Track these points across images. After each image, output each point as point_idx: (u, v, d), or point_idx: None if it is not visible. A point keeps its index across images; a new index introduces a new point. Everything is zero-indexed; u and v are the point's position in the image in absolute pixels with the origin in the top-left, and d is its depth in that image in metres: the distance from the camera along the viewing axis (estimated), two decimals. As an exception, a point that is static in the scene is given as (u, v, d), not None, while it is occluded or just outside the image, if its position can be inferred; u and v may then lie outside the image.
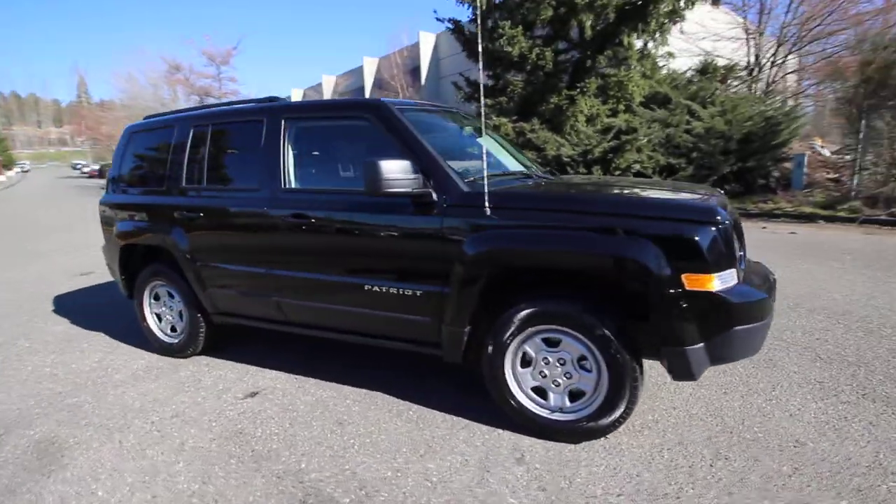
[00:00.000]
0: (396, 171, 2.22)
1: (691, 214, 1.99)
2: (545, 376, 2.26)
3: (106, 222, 3.70)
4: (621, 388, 2.08)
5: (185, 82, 28.40)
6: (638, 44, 12.13)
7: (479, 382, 2.52)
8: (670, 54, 12.79)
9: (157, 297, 3.54)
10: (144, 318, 3.56)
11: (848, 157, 10.29)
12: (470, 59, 14.52)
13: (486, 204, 2.20)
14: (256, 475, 2.15)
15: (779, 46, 14.42)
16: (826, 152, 12.64)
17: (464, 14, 13.66)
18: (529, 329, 2.22)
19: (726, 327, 1.93)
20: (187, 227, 3.13)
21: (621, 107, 12.27)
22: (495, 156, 2.92)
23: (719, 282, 1.91)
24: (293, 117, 2.84)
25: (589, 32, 12.17)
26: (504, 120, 12.32)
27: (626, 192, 2.63)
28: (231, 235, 3.04)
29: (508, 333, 2.24)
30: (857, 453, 2.08)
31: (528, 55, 11.68)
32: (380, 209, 2.48)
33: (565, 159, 11.65)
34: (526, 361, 2.29)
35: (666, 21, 11.36)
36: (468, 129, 3.28)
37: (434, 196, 2.32)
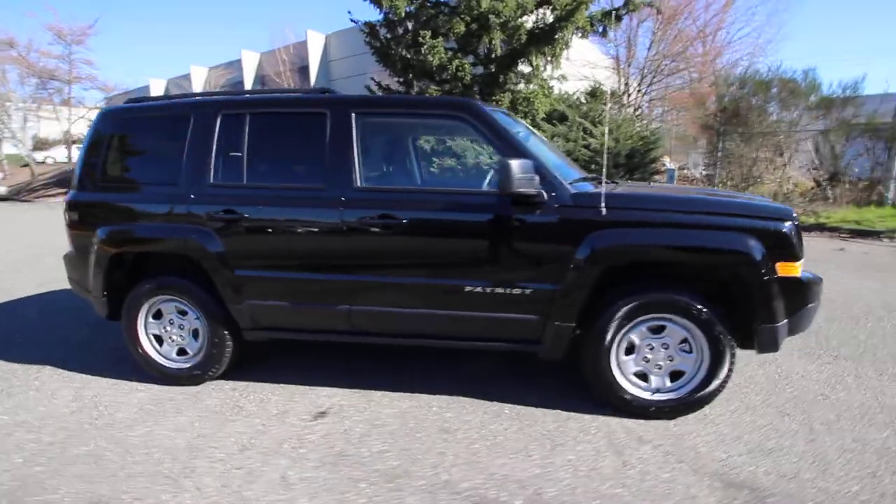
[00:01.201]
0: (523, 171, 2.25)
1: (779, 213, 2.40)
2: (648, 361, 2.49)
3: (78, 226, 2.97)
4: (721, 365, 2.40)
5: (20, 61, 23.04)
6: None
7: (534, 375, 2.66)
8: (563, 77, 14.26)
9: (157, 316, 2.96)
10: (138, 342, 2.94)
11: (705, 173, 12.62)
12: (381, 64, 14.44)
13: (602, 204, 2.36)
14: (404, 494, 2.00)
15: (641, 79, 17.09)
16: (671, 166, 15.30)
17: (368, 15, 13.51)
18: (637, 319, 2.42)
19: (803, 305, 2.37)
20: (222, 230, 2.69)
21: (528, 121, 13.33)
22: (556, 158, 3.07)
23: (801, 268, 2.34)
24: (367, 112, 2.65)
25: (499, 50, 13.04)
26: (424, 127, 12.48)
27: (714, 195, 2.95)
28: (287, 240, 2.70)
29: (616, 324, 2.42)
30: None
31: (449, 66, 12.04)
32: (484, 209, 2.47)
33: (484, 167, 12.25)
34: (628, 349, 2.50)
35: (563, 46, 12.71)
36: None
37: (545, 196, 2.40)
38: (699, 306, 2.35)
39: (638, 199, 2.58)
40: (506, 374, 3.06)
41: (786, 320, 2.36)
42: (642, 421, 2.50)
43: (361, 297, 2.64)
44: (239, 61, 29.00)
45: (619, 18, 12.43)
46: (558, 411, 2.62)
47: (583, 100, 14.42)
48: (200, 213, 2.72)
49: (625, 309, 2.40)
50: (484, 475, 2.11)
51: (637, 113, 16.61)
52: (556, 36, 11.73)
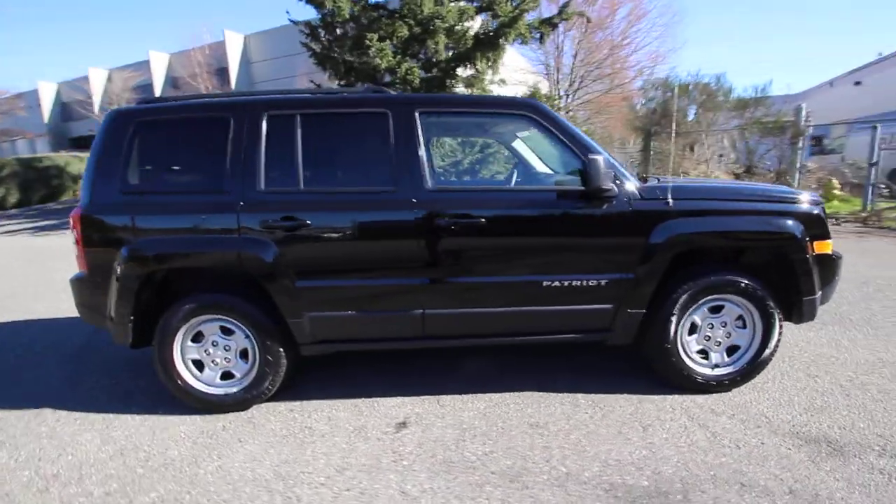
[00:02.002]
0: (607, 167, 2.35)
1: (812, 198, 2.71)
2: (709, 339, 2.71)
3: (94, 244, 2.58)
4: (771, 336, 2.66)
5: None
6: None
7: (566, 363, 2.80)
8: (503, 81, 14.75)
9: (196, 338, 2.67)
10: (174, 370, 2.63)
11: (637, 170, 13.71)
12: (320, 67, 14.02)
13: (669, 197, 2.53)
14: (534, 491, 1.99)
15: (570, 84, 18.16)
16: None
17: (298, 15, 13.09)
18: (699, 300, 2.62)
19: (832, 278, 2.71)
20: (281, 239, 2.50)
21: (474, 123, 13.62)
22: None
23: (832, 246, 2.67)
24: (431, 111, 2.60)
25: (442, 55, 13.21)
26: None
27: (760, 185, 3.18)
28: (354, 245, 2.56)
29: (681, 307, 2.61)
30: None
31: (398, 69, 11.95)
32: (561, 205, 2.54)
33: (438, 170, 12.30)
34: (690, 329, 2.69)
35: (503, 51, 13.18)
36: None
37: (616, 190, 2.52)
38: (754, 285, 2.59)
39: (697, 190, 2.78)
40: (530, 366, 3.15)
41: (820, 292, 2.68)
42: (705, 395, 2.71)
43: (436, 299, 2.58)
44: (147, 62, 26.54)
45: (554, 26, 13.06)
46: (625, 395, 2.75)
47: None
48: (253, 221, 2.50)
49: (690, 292, 2.59)
50: (598, 462, 2.17)
51: (570, 115, 17.62)
52: (500, 41, 12.08)
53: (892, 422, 2.41)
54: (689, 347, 2.70)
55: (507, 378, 3.00)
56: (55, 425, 2.66)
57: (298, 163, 2.55)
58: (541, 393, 2.81)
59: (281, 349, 2.64)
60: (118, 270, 2.53)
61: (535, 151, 3.76)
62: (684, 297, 2.59)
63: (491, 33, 12.13)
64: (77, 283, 2.69)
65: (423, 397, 2.82)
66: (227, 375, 2.71)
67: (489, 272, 2.58)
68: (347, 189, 2.60)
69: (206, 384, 2.69)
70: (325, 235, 2.54)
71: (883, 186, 9.65)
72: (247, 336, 2.64)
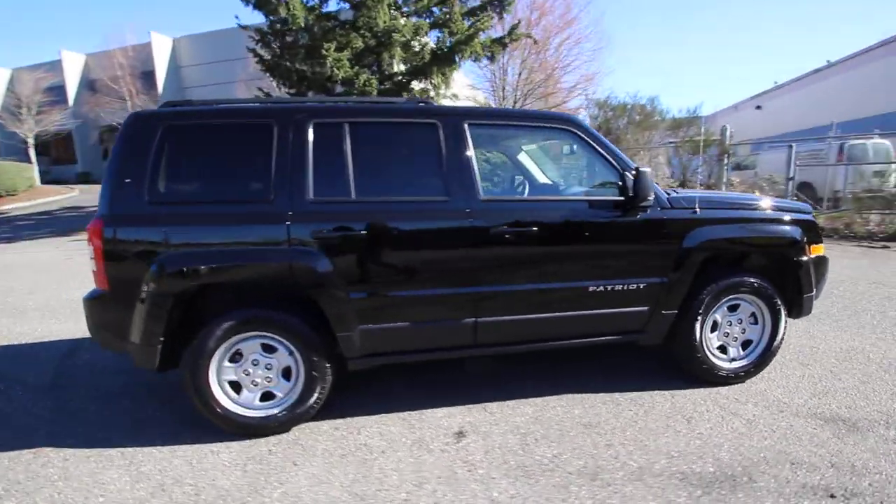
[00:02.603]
0: (651, 178, 2.53)
1: (806, 208, 3.08)
2: (727, 335, 2.96)
3: (119, 258, 2.32)
4: (778, 331, 2.97)
5: None
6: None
7: (606, 362, 2.99)
8: (455, 96, 15.11)
9: (235, 358, 2.48)
10: (209, 393, 2.43)
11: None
12: (269, 75, 13.57)
13: (697, 206, 2.77)
14: (619, 486, 2.08)
15: (515, 102, 18.95)
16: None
17: (249, 19, 12.65)
18: (721, 300, 2.88)
19: (824, 277, 3.09)
20: (334, 250, 2.41)
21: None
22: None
23: (823, 248, 3.05)
24: (479, 123, 2.65)
25: (394, 67, 13.30)
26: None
27: (764, 197, 3.46)
28: (408, 256, 2.52)
29: (705, 307, 2.85)
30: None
31: (356, 80, 11.83)
32: (604, 214, 2.68)
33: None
34: (712, 327, 2.94)
35: (457, 67, 13.53)
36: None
37: (651, 200, 2.71)
38: (765, 284, 2.89)
39: (718, 201, 3.05)
40: (562, 370, 3.29)
41: (815, 289, 3.05)
42: (726, 387, 2.96)
43: (489, 308, 2.61)
44: (59, 62, 24.10)
45: (504, 46, 13.59)
46: (656, 392, 2.93)
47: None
48: (305, 232, 2.39)
49: (713, 293, 2.84)
50: (662, 455, 2.30)
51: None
52: (456, 57, 12.38)
53: (883, 399, 2.78)
54: (711, 344, 2.94)
55: (542, 383, 3.07)
56: (65, 465, 2.35)
57: (349, 172, 2.49)
58: (580, 395, 2.92)
59: (328, 365, 2.54)
60: (148, 287, 2.31)
61: (537, 164, 3.94)
62: (708, 297, 2.84)
63: (446, 49, 12.38)
64: (94, 302, 2.41)
65: (467, 406, 2.82)
66: (266, 396, 2.55)
67: (539, 279, 2.65)
68: (400, 199, 2.56)
69: (244, 407, 2.51)
70: (379, 245, 2.49)
71: (795, 198, 11.02)
72: (290, 353, 2.51)
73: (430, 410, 2.78)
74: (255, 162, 2.45)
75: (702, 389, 2.94)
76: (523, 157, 3.96)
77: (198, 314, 2.50)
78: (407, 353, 2.65)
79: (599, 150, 2.75)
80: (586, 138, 2.75)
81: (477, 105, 16.28)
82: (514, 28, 13.45)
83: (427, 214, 2.54)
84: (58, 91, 22.90)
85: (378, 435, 2.55)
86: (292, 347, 2.49)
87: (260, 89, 13.94)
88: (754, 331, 3.00)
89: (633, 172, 2.59)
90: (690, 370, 2.96)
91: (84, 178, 24.74)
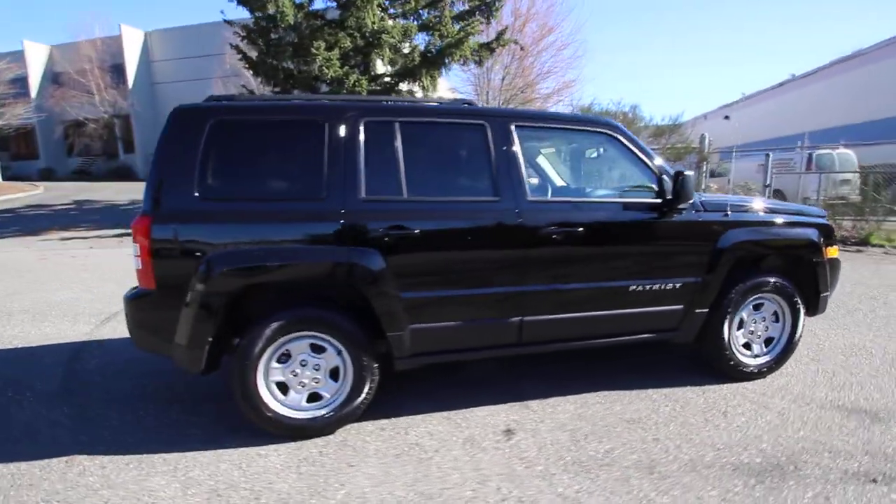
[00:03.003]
0: (693, 183, 2.63)
1: (822, 213, 3.25)
2: (752, 333, 3.10)
3: (168, 256, 2.24)
4: (798, 327, 3.13)
5: None
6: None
7: (631, 361, 3.09)
8: (441, 98, 15.15)
9: (282, 359, 2.43)
10: (257, 395, 2.37)
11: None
12: (253, 73, 13.31)
13: (728, 209, 2.89)
14: (676, 477, 2.14)
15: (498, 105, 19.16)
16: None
17: (232, 15, 12.30)
18: (747, 300, 3.00)
19: (837, 277, 3.26)
20: (389, 249, 2.40)
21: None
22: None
23: (837, 251, 3.22)
24: (526, 125, 2.69)
25: (379, 68, 13.26)
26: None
27: (782, 202, 3.63)
28: (459, 255, 2.53)
29: (733, 306, 2.97)
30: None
31: (346, 80, 11.72)
32: (645, 215, 2.77)
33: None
34: (738, 325, 3.06)
35: (447, 69, 13.60)
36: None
37: (689, 203, 2.81)
38: (787, 284, 3.04)
39: (746, 206, 3.18)
40: (593, 368, 3.37)
41: (830, 289, 3.22)
42: (750, 382, 3.09)
43: (535, 306, 2.65)
44: (21, 53, 22.91)
45: (492, 51, 13.74)
46: (686, 388, 3.03)
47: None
48: (358, 230, 2.37)
49: (741, 292, 2.96)
50: (709, 447, 2.39)
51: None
52: (446, 60, 12.44)
53: (895, 391, 2.96)
54: (738, 341, 3.07)
55: (576, 381, 3.13)
56: (104, 473, 2.24)
57: (401, 171, 2.48)
58: (615, 392, 2.99)
59: (376, 365, 2.52)
60: (198, 286, 2.24)
61: (553, 166, 4.01)
62: (736, 296, 2.96)
63: (436, 52, 12.42)
64: (138, 302, 2.32)
65: (508, 404, 2.84)
66: (314, 397, 2.51)
67: (584, 278, 2.71)
68: (452, 198, 2.57)
69: (291, 408, 2.46)
70: (432, 245, 2.49)
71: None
72: (339, 353, 2.48)
73: (472, 409, 2.79)
74: (306, 159, 2.42)
75: (728, 385, 3.06)
76: (541, 160, 4.04)
77: (241, 315, 2.44)
78: (453, 353, 2.66)
79: (639, 154, 2.83)
80: (627, 143, 2.83)
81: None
82: (501, 33, 13.61)
83: (478, 214, 2.56)
84: (20, 83, 21.73)
85: (427, 434, 2.54)
86: (341, 347, 2.46)
87: (244, 87, 13.62)
88: (776, 328, 3.15)
89: (674, 176, 2.68)
90: (719, 367, 3.08)
91: (47, 175, 23.54)
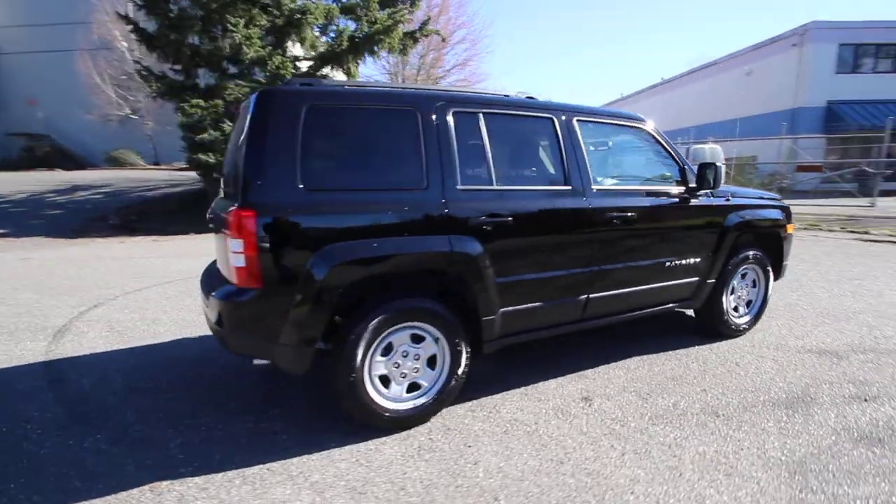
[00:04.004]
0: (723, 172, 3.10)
1: (779, 196, 3.98)
2: (740, 297, 3.73)
3: (280, 250, 2.07)
4: (769, 291, 3.84)
5: None
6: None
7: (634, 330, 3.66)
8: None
9: (385, 352, 2.40)
10: (363, 390, 2.33)
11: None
12: (149, 48, 11.80)
13: (729, 195, 3.44)
14: (764, 414, 2.58)
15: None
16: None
17: None
18: (739, 269, 3.62)
19: (790, 248, 4.05)
20: (486, 236, 2.48)
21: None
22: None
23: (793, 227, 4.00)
24: (585, 119, 2.92)
25: (301, 51, 12.59)
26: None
27: (753, 190, 4.26)
28: (542, 240, 2.69)
29: (730, 276, 3.56)
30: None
31: (269, 61, 10.89)
32: (680, 200, 3.19)
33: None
34: (731, 291, 3.67)
35: (371, 54, 13.34)
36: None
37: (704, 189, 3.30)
38: (763, 255, 3.72)
39: (740, 192, 3.75)
40: (599, 343, 3.81)
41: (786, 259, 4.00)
42: (738, 338, 3.74)
43: (597, 284, 2.92)
44: None
45: (416, 40, 13.75)
46: (693, 348, 3.57)
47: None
48: (460, 219, 2.42)
49: (735, 263, 3.56)
50: (747, 391, 2.89)
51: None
52: (374, 47, 12.19)
53: (840, 335, 3.80)
54: (730, 305, 3.68)
55: (606, 351, 3.50)
56: (211, 494, 2.04)
57: (489, 160, 2.57)
58: (645, 357, 3.41)
59: (468, 350, 2.60)
60: (311, 282, 2.13)
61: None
62: (732, 267, 3.55)
63: (364, 38, 12.09)
64: (240, 302, 2.11)
65: (566, 376, 3.10)
66: (413, 387, 2.52)
67: (633, 257, 3.05)
68: (533, 187, 2.73)
69: (393, 400, 2.45)
70: (522, 231, 2.62)
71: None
72: (436, 340, 2.52)
73: (538, 384, 3.00)
74: (405, 148, 2.39)
75: (723, 342, 3.66)
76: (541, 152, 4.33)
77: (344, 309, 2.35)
78: (532, 332, 2.84)
79: (667, 147, 3.25)
80: (658, 138, 3.23)
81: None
82: (425, 23, 13.67)
83: (555, 201, 2.74)
84: None
85: (518, 410, 2.70)
86: (439, 335, 2.50)
87: (137, 62, 11.90)
88: (753, 293, 3.83)
89: (702, 167, 3.14)
90: (717, 328, 3.67)
91: None
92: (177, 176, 17.54)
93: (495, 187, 2.58)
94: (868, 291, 5.09)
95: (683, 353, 3.47)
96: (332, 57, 12.19)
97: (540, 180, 2.81)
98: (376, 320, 2.31)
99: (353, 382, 2.30)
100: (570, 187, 2.79)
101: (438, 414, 2.63)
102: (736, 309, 3.77)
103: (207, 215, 2.86)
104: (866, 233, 9.15)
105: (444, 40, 16.29)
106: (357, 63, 12.83)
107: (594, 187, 2.87)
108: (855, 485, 2.06)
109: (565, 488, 2.05)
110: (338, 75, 13.38)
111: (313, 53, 12.74)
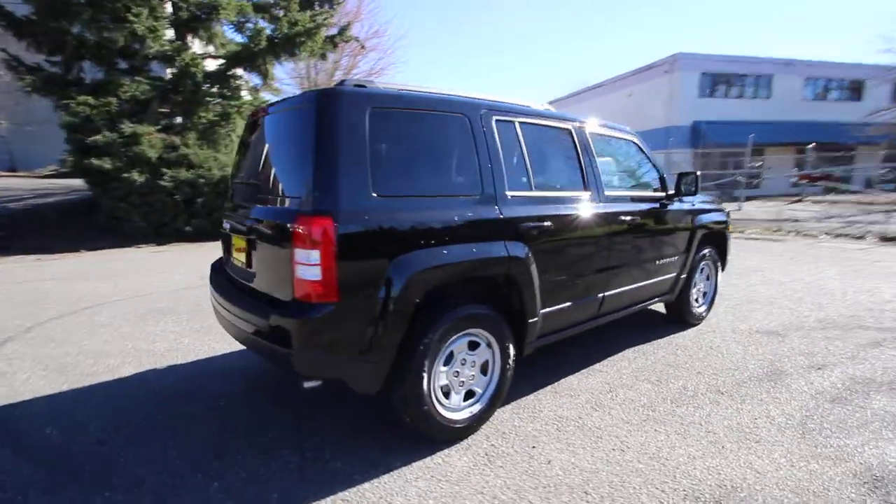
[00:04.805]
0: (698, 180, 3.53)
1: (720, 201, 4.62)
2: (699, 290, 4.26)
3: (359, 260, 1.92)
4: (718, 283, 4.43)
5: None
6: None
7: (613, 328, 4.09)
8: (277, 89, 14.13)
9: (447, 360, 2.34)
10: (429, 402, 2.25)
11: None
12: (19, 36, 10.10)
13: (694, 201, 3.93)
14: (760, 387, 2.97)
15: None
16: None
17: None
18: (700, 264, 4.14)
19: (729, 244, 4.72)
20: (534, 241, 2.55)
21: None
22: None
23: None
24: (595, 133, 3.15)
25: (222, 49, 11.65)
26: (149, 128, 9.73)
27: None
28: (573, 243, 2.82)
29: (695, 271, 4.06)
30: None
31: (178, 57, 9.82)
32: (668, 205, 3.56)
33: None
34: (694, 285, 4.18)
35: (298, 59, 12.71)
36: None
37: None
38: (714, 252, 4.29)
39: (695, 198, 4.23)
40: (594, 341, 4.13)
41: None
42: (699, 325, 4.26)
43: (610, 283, 3.15)
44: None
45: (335, 45, 13.44)
46: (671, 336, 3.99)
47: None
48: (513, 225, 2.46)
49: (698, 260, 4.07)
50: (730, 370, 3.31)
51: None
52: (296, 50, 11.66)
53: (774, 317, 4.51)
54: (693, 297, 4.19)
55: (602, 347, 3.77)
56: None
57: (528, 167, 2.66)
58: (635, 348, 3.74)
59: (514, 353, 2.65)
60: (391, 292, 2.03)
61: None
62: (695, 263, 4.05)
63: (284, 38, 11.47)
64: (316, 319, 1.92)
65: (580, 372, 3.29)
66: (470, 395, 2.50)
67: (636, 257, 3.34)
68: (562, 193, 2.85)
69: (453, 410, 2.41)
70: (557, 235, 2.74)
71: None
72: (489, 345, 2.53)
73: (563, 381, 3.14)
74: (460, 154, 2.38)
75: (690, 330, 4.15)
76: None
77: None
78: (560, 332, 2.96)
79: (649, 157, 3.62)
80: (643, 148, 3.59)
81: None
82: (344, 29, 13.41)
83: (580, 206, 2.91)
84: None
85: (557, 407, 2.80)
86: (492, 340, 2.52)
87: (3, 50, 9.97)
88: (708, 285, 4.40)
89: (681, 175, 3.56)
90: (684, 318, 4.15)
91: None
92: (44, 184, 14.93)
93: (534, 193, 2.68)
94: (772, 280, 6.11)
95: (665, 342, 3.87)
96: (248, 56, 11.40)
97: (566, 186, 2.96)
98: (441, 329, 2.26)
99: (420, 395, 2.22)
100: (588, 192, 2.99)
101: (496, 417, 2.64)
102: (696, 300, 4.30)
103: (228, 223, 2.58)
104: (742, 232, 10.90)
105: (363, 47, 16.08)
106: (274, 65, 12.16)
107: (607, 193, 3.11)
108: (849, 436, 2.50)
109: (640, 474, 2.19)
110: (252, 78, 12.56)
111: (224, 52, 11.80)
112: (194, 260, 8.04)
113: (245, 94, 12.38)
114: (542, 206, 2.69)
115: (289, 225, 1.99)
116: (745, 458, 2.30)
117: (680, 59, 22.15)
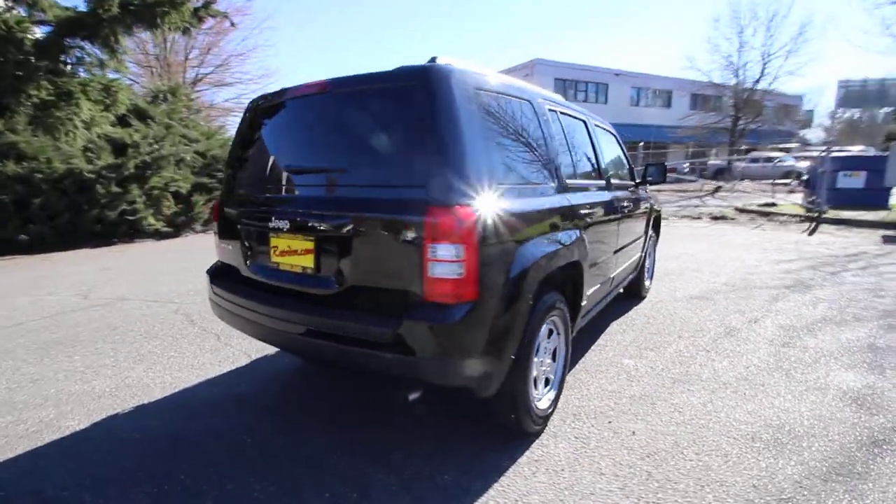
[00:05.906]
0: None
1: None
2: (647, 267, 4.86)
3: (490, 255, 1.75)
4: (654, 262, 5.11)
5: None
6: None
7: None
8: (126, 68, 11.99)
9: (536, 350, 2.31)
10: (530, 397, 2.21)
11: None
12: None
13: (647, 188, 4.46)
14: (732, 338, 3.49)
15: (193, 83, 16.34)
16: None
17: None
18: (649, 243, 4.72)
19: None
20: (586, 228, 2.63)
21: (108, 116, 10.42)
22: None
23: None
24: (597, 125, 3.33)
25: (51, 15, 9.36)
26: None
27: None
28: (602, 227, 2.97)
29: (647, 249, 4.63)
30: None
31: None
32: (638, 192, 3.95)
33: (88, 175, 8.76)
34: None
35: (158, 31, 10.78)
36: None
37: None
38: (655, 232, 4.94)
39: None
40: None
41: (658, 233, 5.38)
42: (647, 298, 4.86)
43: (619, 263, 3.42)
44: None
45: (200, 20, 11.77)
46: (634, 310, 4.49)
47: (162, 97, 12.51)
48: (574, 211, 2.51)
49: (651, 241, 4.64)
50: (700, 329, 3.87)
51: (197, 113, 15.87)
52: (158, 20, 9.92)
53: (702, 284, 5.35)
54: (646, 272, 4.77)
55: (589, 325, 4.06)
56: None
57: (571, 156, 2.74)
58: (615, 323, 4.12)
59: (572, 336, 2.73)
60: (519, 285, 1.93)
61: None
62: (648, 243, 4.62)
63: (142, 5, 9.62)
64: (457, 322, 1.70)
65: (592, 350, 3.51)
66: (547, 382, 2.50)
67: (627, 239, 3.66)
68: (589, 181, 2.98)
69: (540, 400, 2.39)
70: (595, 221, 2.86)
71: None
72: (559, 333, 2.56)
73: (584, 358, 3.32)
74: (535, 141, 2.34)
75: (643, 303, 4.72)
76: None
77: None
78: (588, 314, 3.12)
79: (623, 148, 4.00)
80: (619, 141, 3.94)
81: (173, 86, 13.09)
82: (209, 2, 11.80)
83: (602, 194, 3.09)
84: None
85: (597, 382, 2.96)
86: (561, 326, 2.55)
87: None
88: (650, 261, 5.04)
89: (647, 165, 4.01)
90: (639, 292, 4.69)
91: None
92: None
93: (578, 181, 2.78)
94: (667, 256, 7.19)
95: (634, 315, 4.33)
96: (92, 24, 9.31)
97: (590, 175, 3.11)
98: (539, 319, 2.22)
99: (527, 391, 2.16)
100: (603, 181, 3.20)
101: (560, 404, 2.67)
102: (647, 275, 4.90)
103: (251, 224, 2.16)
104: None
105: (232, 24, 14.24)
106: (125, 36, 10.17)
107: (612, 181, 3.37)
108: (814, 371, 3.14)
109: (707, 428, 2.45)
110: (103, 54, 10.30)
111: (52, 16, 9.45)
112: (50, 275, 6.37)
113: (82, 72, 10.14)
114: (585, 194, 2.80)
115: (414, 218, 1.75)
116: (766, 401, 2.74)
117: (538, 65, 24.52)
